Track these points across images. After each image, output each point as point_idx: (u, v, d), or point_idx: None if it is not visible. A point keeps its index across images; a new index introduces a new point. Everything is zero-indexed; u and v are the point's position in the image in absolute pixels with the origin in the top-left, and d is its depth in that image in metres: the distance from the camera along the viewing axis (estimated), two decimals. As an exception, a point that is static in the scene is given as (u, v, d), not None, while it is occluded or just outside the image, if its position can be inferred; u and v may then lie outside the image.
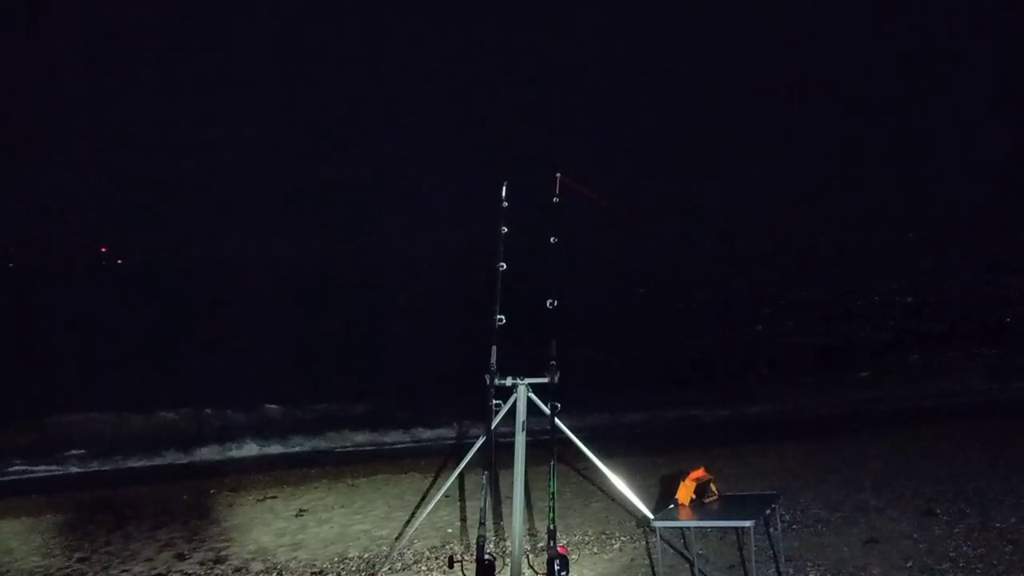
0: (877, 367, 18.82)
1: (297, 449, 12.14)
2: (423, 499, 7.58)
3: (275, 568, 5.98)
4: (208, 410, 14.45)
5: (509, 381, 4.99)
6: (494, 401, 4.96)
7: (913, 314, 28.38)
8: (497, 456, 4.97)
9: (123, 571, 6.11)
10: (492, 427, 4.94)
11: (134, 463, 11.47)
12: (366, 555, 6.15)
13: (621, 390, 15.71)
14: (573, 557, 5.72)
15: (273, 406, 14.76)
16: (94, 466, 11.30)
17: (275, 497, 8.19)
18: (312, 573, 5.86)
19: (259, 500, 8.10)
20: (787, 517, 6.28)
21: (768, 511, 5.01)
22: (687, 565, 5.40)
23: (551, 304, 4.94)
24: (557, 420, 4.91)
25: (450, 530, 6.61)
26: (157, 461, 11.58)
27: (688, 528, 5.20)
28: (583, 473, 7.65)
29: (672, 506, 4.92)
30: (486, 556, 4.53)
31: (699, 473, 5.03)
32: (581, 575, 5.50)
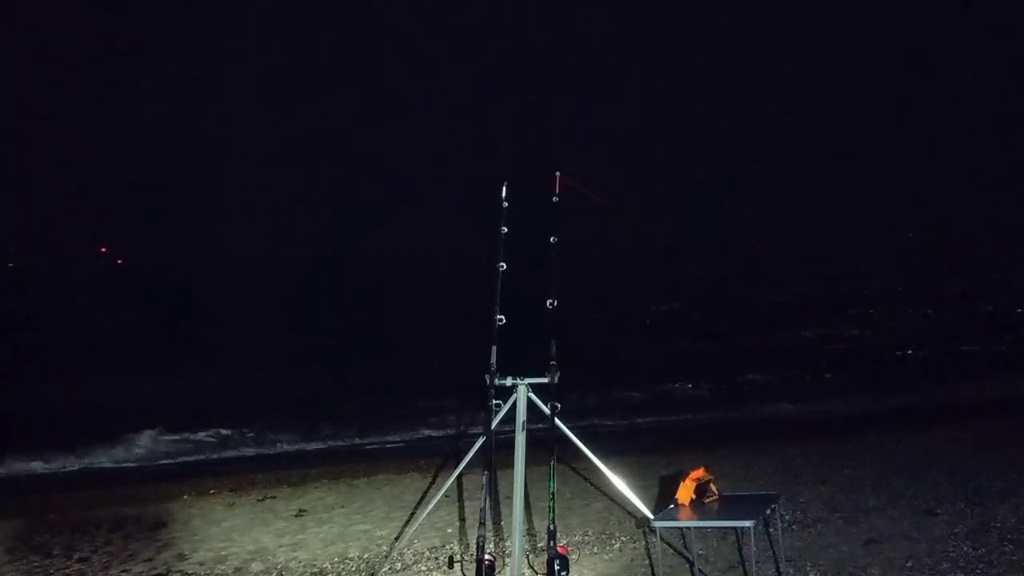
0: (877, 367, 18.83)
1: (297, 449, 12.14)
2: (423, 499, 7.58)
3: (275, 568, 5.99)
4: (208, 410, 14.44)
5: (509, 381, 4.99)
6: (494, 401, 4.96)
7: (912, 313, 28.38)
8: (497, 456, 4.97)
9: (123, 571, 6.11)
10: (492, 427, 4.94)
11: (134, 463, 11.47)
12: (366, 555, 6.15)
13: (621, 390, 15.70)
14: (573, 557, 5.72)
15: (273, 406, 14.76)
16: (94, 466, 11.30)
17: (275, 497, 8.19)
18: (312, 573, 5.86)
19: (259, 500, 8.10)
20: (787, 517, 6.28)
21: (768, 511, 5.01)
22: (687, 565, 5.40)
23: (551, 304, 4.94)
24: (557, 420, 4.91)
25: (450, 530, 6.61)
26: (157, 461, 11.59)
27: (688, 528, 5.21)
28: (583, 473, 7.65)
29: (672, 506, 4.92)
30: (486, 556, 4.53)
31: (699, 473, 5.03)
32: (581, 575, 5.50)
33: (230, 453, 12.00)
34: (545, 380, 4.93)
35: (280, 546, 6.50)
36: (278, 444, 12.41)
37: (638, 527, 6.16)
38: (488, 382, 4.94)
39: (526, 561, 5.07)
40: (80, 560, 6.39)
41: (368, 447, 12.10)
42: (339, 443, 12.38)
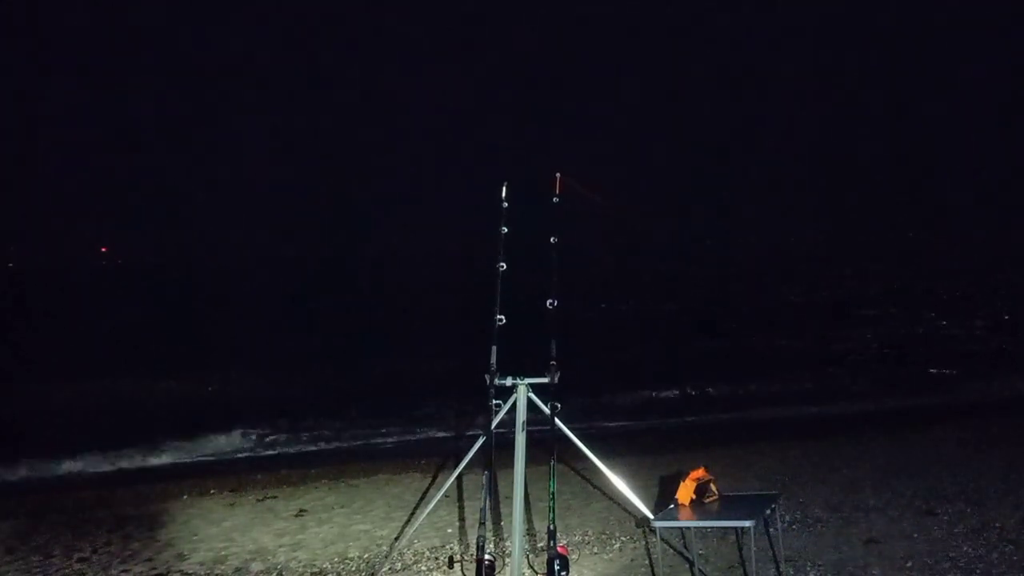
0: (877, 367, 18.82)
1: (297, 449, 12.14)
2: (423, 499, 7.59)
3: (275, 568, 5.99)
4: (209, 410, 14.45)
5: (509, 381, 4.99)
6: (494, 401, 4.97)
7: (912, 313, 28.37)
8: (497, 456, 4.97)
9: (123, 571, 6.11)
10: (492, 427, 4.94)
11: (133, 463, 11.46)
12: (366, 555, 6.15)
13: (621, 390, 15.69)
14: (573, 557, 5.72)
15: (273, 406, 14.75)
16: (94, 466, 11.29)
17: (275, 497, 8.19)
18: (312, 573, 5.86)
19: (259, 500, 8.10)
20: (787, 517, 6.28)
21: (768, 511, 5.01)
22: (687, 565, 5.40)
23: (551, 304, 4.94)
24: (557, 420, 4.91)
25: (450, 530, 6.61)
26: (157, 461, 11.58)
27: (688, 528, 5.21)
28: (583, 473, 7.65)
29: (672, 506, 4.93)
30: (486, 556, 4.53)
31: (699, 473, 5.03)
32: (581, 575, 5.50)
33: (230, 453, 11.99)
34: (545, 380, 4.93)
35: (280, 546, 6.50)
36: (278, 444, 12.40)
37: (638, 527, 6.17)
38: (488, 382, 4.94)
39: (526, 561, 5.07)
40: (80, 560, 6.39)
41: (368, 447, 12.09)
42: (339, 443, 12.37)
